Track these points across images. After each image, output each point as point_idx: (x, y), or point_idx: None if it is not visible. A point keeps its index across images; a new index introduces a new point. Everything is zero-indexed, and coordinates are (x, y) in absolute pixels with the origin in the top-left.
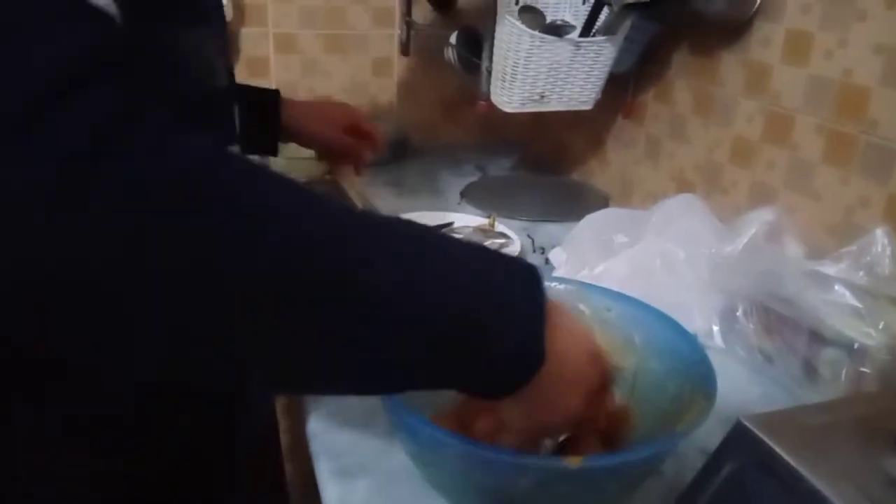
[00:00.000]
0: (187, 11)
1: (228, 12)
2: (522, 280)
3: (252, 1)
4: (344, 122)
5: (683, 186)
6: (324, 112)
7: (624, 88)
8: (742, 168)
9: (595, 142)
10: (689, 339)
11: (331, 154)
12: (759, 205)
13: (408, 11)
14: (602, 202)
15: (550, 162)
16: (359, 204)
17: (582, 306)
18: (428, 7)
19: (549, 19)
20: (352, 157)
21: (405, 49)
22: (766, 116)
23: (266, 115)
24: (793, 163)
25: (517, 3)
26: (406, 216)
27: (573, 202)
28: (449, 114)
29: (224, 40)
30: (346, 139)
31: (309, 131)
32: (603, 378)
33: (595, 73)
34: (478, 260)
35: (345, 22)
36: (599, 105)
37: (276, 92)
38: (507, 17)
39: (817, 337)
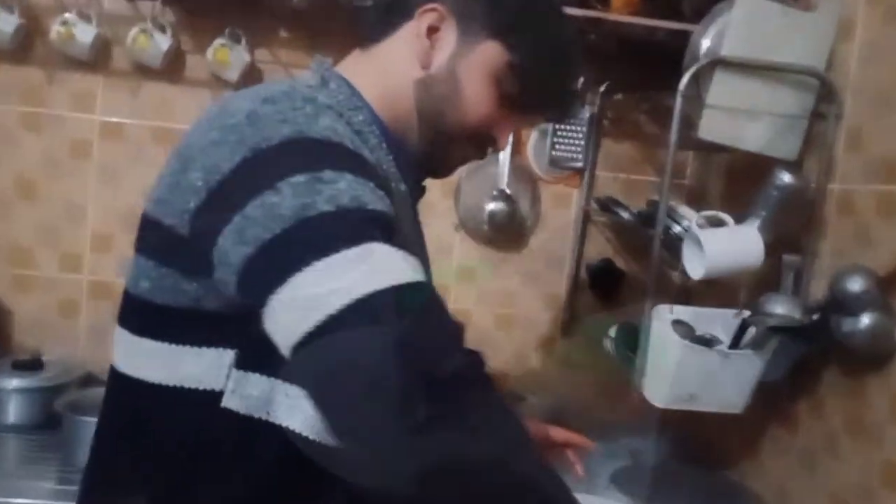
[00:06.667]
0: None
1: None
2: None
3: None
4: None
5: None
6: None
7: (777, 397)
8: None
9: (750, 444)
10: None
11: None
12: None
13: (573, 298)
14: None
15: (704, 454)
16: None
17: None
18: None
19: (698, 332)
20: None
21: (566, 329)
22: None
23: None
24: None
25: (671, 312)
26: None
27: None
28: (605, 395)
29: None
30: None
31: None
32: None
33: (744, 381)
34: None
35: (514, 303)
36: (754, 409)
37: None
38: (661, 326)
39: None
